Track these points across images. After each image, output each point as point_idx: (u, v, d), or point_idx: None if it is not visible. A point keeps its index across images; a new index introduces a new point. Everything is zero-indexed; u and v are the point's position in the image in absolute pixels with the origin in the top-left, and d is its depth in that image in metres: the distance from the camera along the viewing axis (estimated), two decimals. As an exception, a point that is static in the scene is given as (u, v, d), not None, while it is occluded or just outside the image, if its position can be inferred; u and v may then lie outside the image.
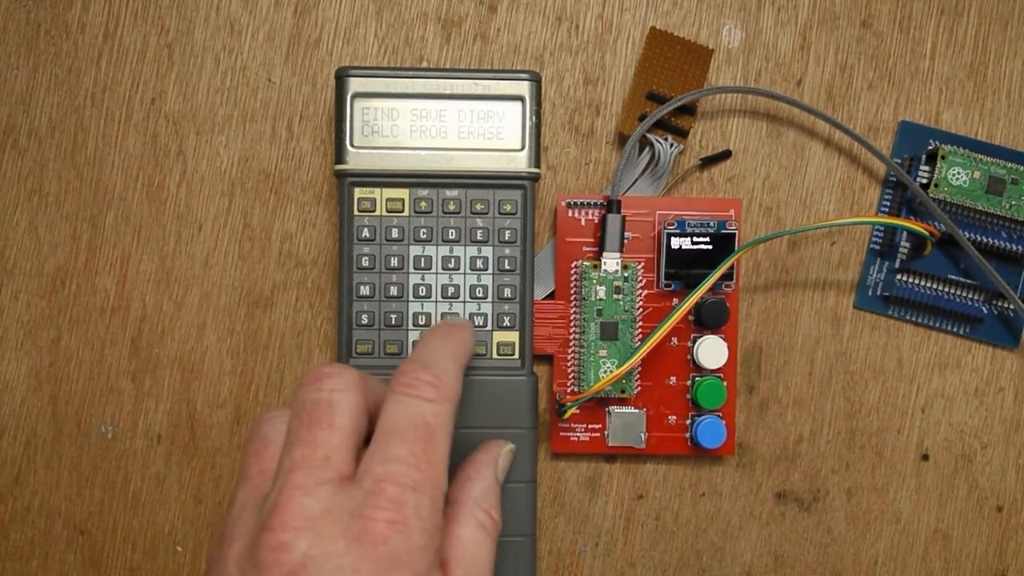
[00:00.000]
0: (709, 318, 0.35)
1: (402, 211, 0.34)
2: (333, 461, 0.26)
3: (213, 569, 0.26)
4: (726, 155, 0.37)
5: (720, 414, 0.37)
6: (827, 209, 0.38)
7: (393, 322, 0.35)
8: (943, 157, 0.36)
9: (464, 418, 0.34)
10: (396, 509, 0.25)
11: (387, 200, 0.34)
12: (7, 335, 0.37)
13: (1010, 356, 0.38)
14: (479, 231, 0.35)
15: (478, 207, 0.35)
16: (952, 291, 0.37)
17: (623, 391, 0.36)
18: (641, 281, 0.36)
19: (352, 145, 0.34)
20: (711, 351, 0.36)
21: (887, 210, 0.37)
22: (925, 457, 0.38)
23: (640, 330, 0.36)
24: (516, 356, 0.35)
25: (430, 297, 0.35)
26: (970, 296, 0.37)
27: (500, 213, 0.35)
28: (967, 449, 0.38)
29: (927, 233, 0.36)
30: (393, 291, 0.34)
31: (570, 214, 0.36)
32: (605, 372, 0.35)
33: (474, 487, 0.30)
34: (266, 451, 0.28)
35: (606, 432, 0.36)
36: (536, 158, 0.34)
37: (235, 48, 0.37)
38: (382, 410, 0.27)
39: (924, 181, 0.37)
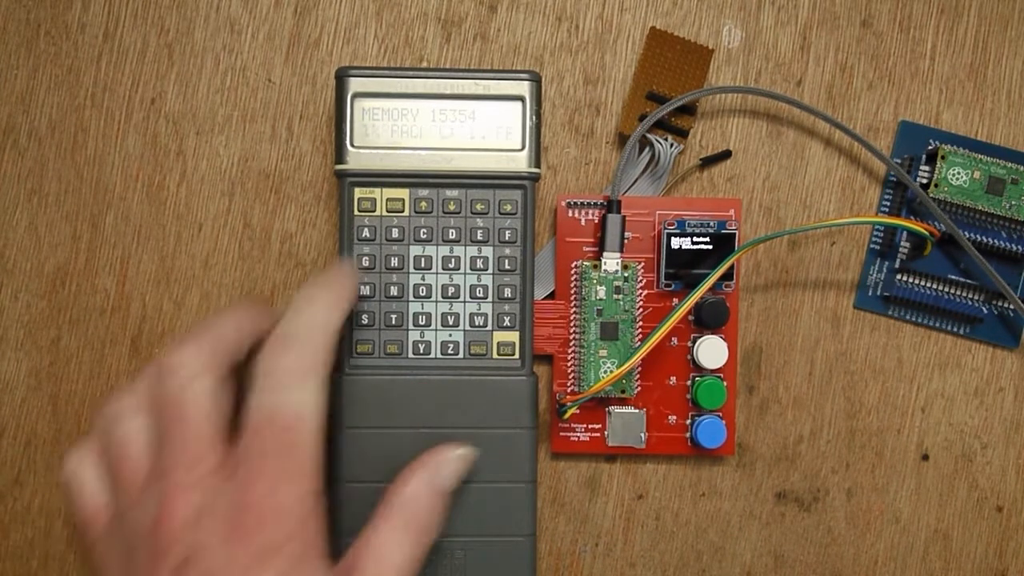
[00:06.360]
0: (709, 318, 0.35)
1: (402, 211, 0.34)
2: (202, 454, 0.28)
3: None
4: (726, 155, 0.37)
5: (720, 414, 0.37)
6: (827, 209, 0.38)
7: (393, 322, 0.35)
8: (943, 157, 0.36)
9: (465, 418, 0.34)
10: (268, 509, 0.27)
11: (387, 200, 0.34)
12: (7, 335, 0.37)
13: (1010, 356, 0.38)
14: (479, 231, 0.35)
15: (478, 207, 0.34)
16: (952, 291, 0.37)
17: (623, 391, 0.36)
18: (641, 281, 0.36)
19: (352, 145, 0.34)
20: (711, 351, 0.36)
21: (887, 210, 0.37)
22: (925, 457, 0.38)
23: (640, 330, 0.36)
24: (516, 356, 0.35)
25: (430, 297, 0.35)
26: (970, 296, 0.37)
27: (500, 213, 0.35)
28: (967, 449, 0.38)
29: (927, 233, 0.36)
30: (393, 291, 0.34)
31: (570, 214, 0.36)
32: (605, 372, 0.35)
33: (400, 492, 0.31)
34: (129, 454, 0.29)
35: (606, 432, 0.36)
36: (536, 158, 0.34)
37: (235, 48, 0.37)
38: (249, 397, 0.28)
39: (924, 181, 0.37)
